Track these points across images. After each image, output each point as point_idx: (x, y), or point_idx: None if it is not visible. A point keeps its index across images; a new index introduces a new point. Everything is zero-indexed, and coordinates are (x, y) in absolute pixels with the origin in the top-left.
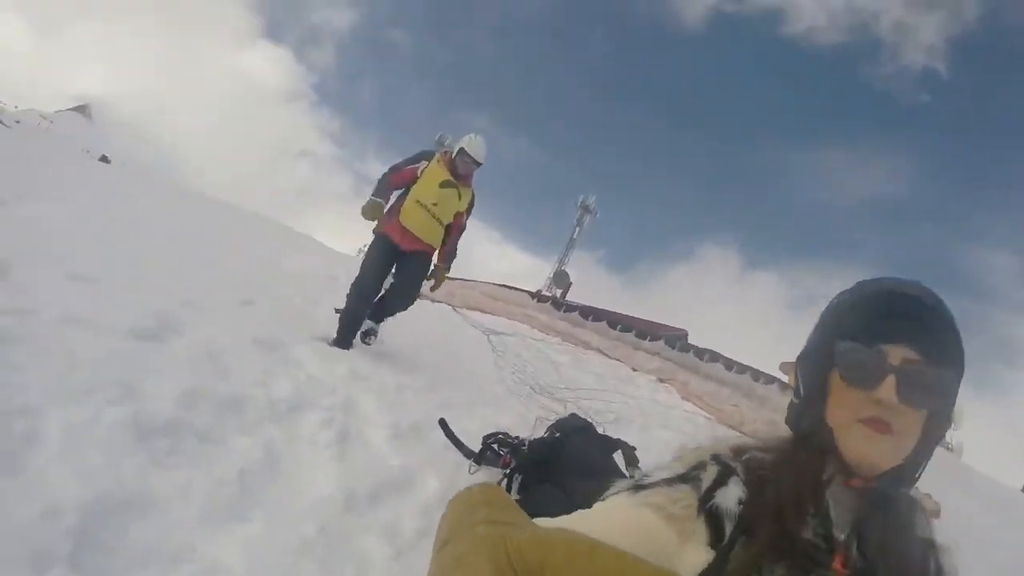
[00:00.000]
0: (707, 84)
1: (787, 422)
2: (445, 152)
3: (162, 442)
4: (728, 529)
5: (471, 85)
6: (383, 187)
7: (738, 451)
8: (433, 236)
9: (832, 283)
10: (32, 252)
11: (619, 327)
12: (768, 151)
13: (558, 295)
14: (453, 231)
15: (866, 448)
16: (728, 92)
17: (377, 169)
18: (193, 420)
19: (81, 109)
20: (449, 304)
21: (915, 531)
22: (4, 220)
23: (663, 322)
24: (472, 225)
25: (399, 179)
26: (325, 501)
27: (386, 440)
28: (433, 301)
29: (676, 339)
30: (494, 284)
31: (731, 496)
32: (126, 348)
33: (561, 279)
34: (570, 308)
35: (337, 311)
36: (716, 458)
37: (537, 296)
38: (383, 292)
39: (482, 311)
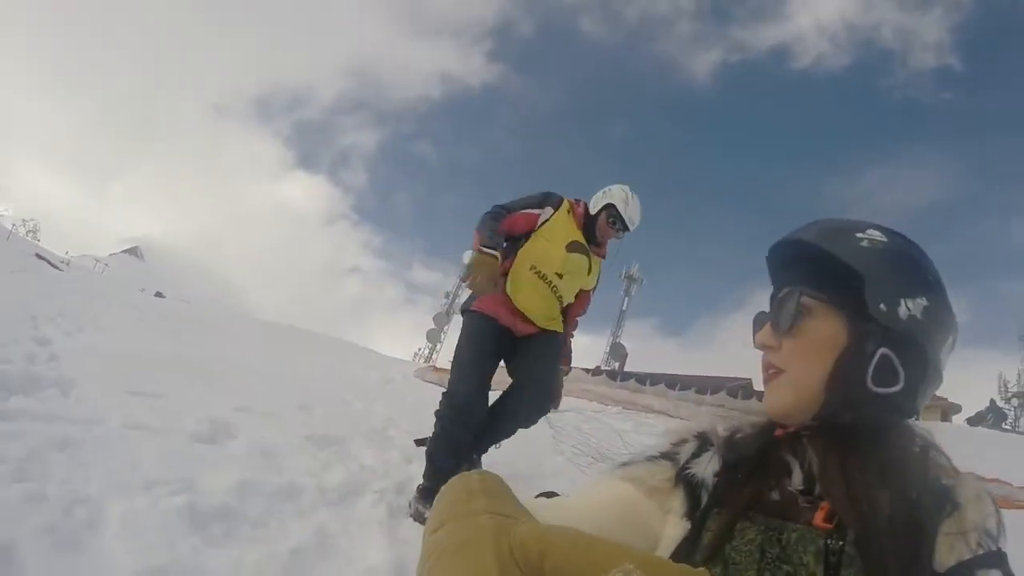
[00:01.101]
0: (729, 133)
1: None
2: (579, 201)
3: (217, 526)
4: (704, 500)
5: (500, 181)
6: (492, 233)
7: (730, 430)
8: (556, 323)
9: None
10: (95, 373)
11: (678, 386)
12: (805, 182)
13: (616, 368)
14: (571, 317)
15: (767, 400)
16: (751, 135)
17: (424, 276)
18: (247, 509)
19: (133, 251)
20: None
21: (892, 464)
22: (68, 349)
23: (728, 375)
24: None
25: (512, 225)
26: (375, 570)
27: None
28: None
29: (739, 388)
30: None
31: (706, 468)
32: (184, 449)
33: (617, 351)
34: (626, 377)
35: (419, 443)
36: (699, 435)
37: (592, 371)
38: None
39: None
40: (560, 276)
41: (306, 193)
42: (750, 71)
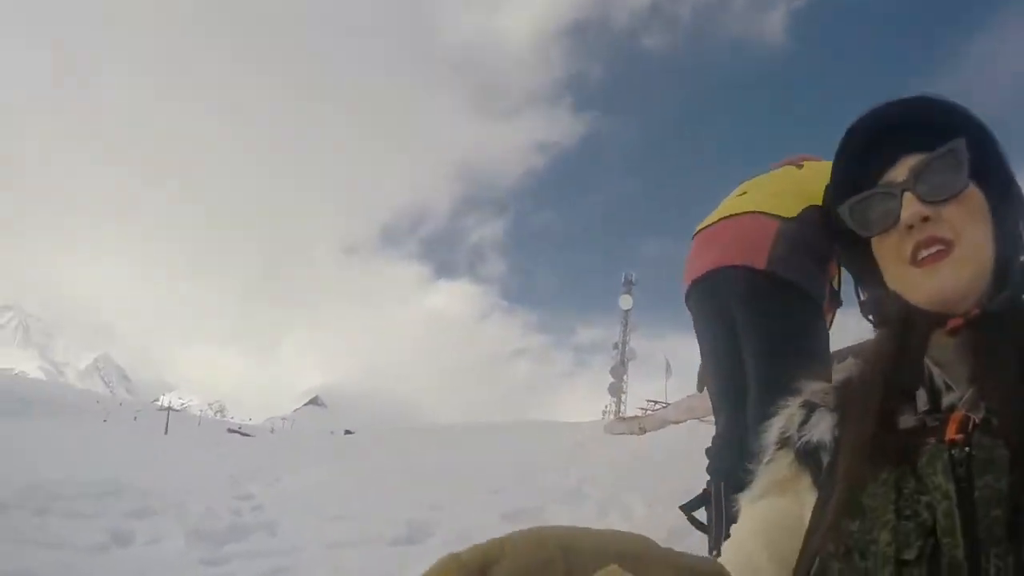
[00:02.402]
0: (827, 66)
1: (863, 313)
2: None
3: None
4: (826, 462)
5: (627, 219)
6: None
7: (836, 381)
8: None
9: None
10: (295, 510)
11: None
12: (917, 75)
13: None
14: None
15: (932, 286)
16: (846, 57)
17: (588, 335)
18: None
19: (315, 400)
20: (694, 419)
21: None
22: (269, 497)
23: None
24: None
25: None
26: None
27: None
28: (678, 422)
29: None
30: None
31: (820, 428)
32: (384, 553)
33: None
34: None
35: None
36: (804, 403)
37: None
38: None
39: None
40: None
41: (454, 298)
42: (821, 8)
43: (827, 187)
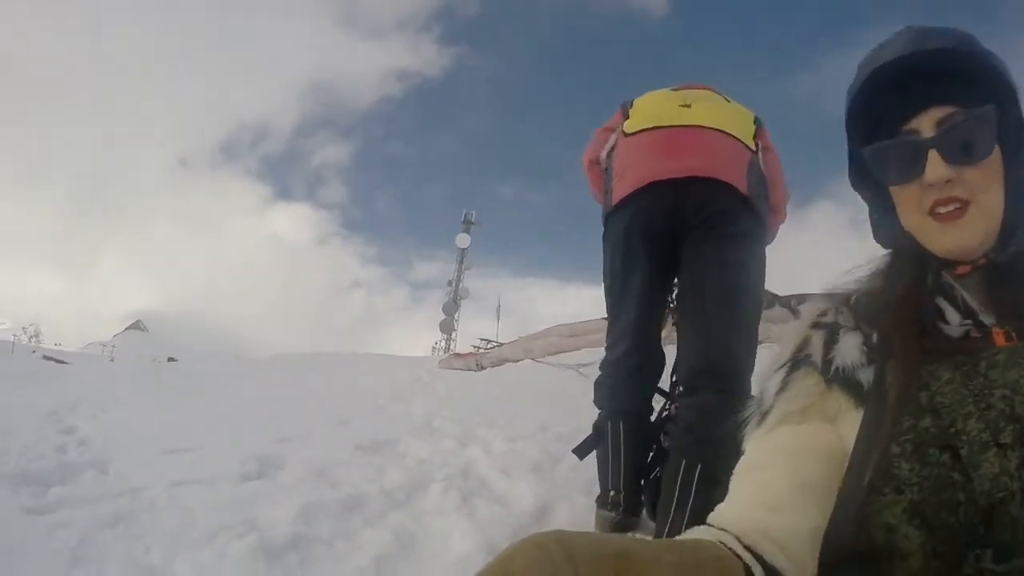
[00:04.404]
0: (696, 49)
1: (875, 239)
2: None
3: (292, 556)
4: (865, 379)
5: (480, 158)
6: None
7: (842, 300)
8: None
9: None
10: (126, 445)
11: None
12: (779, 83)
13: None
14: None
15: (947, 241)
16: (720, 46)
17: (425, 270)
18: (317, 532)
19: (136, 325)
20: (531, 359)
21: None
22: (100, 427)
23: None
24: (529, 283)
25: None
26: (467, 556)
27: (510, 486)
28: (516, 361)
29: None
30: (567, 324)
31: (849, 347)
32: (236, 492)
33: None
34: None
35: (582, 451)
36: (816, 324)
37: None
38: None
39: (565, 351)
40: None
41: (292, 222)
42: None
43: (848, 115)
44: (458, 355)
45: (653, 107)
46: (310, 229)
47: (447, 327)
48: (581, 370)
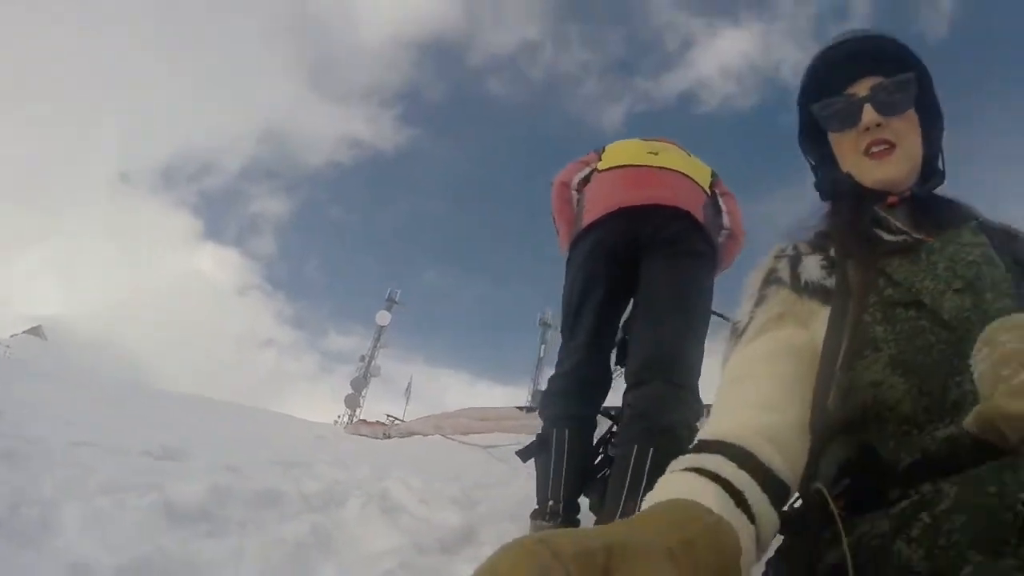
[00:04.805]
0: None
1: (817, 190)
2: None
3: (201, 525)
4: (831, 284)
5: (417, 240)
6: None
7: (798, 236)
8: None
9: None
10: (24, 400)
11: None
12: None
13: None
14: None
15: (879, 173)
16: None
17: (339, 342)
18: (228, 513)
19: (35, 331)
20: (441, 435)
21: (971, 211)
22: None
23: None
24: (441, 373)
25: None
26: (390, 552)
27: (431, 512)
28: (425, 435)
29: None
30: (479, 408)
31: (812, 265)
32: (142, 463)
33: (537, 398)
34: None
35: (525, 454)
36: (779, 256)
37: (526, 408)
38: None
39: (475, 432)
40: None
41: (217, 264)
42: (658, 118)
43: (802, 83)
44: (365, 422)
45: (625, 151)
46: (233, 275)
47: (352, 402)
48: (491, 451)
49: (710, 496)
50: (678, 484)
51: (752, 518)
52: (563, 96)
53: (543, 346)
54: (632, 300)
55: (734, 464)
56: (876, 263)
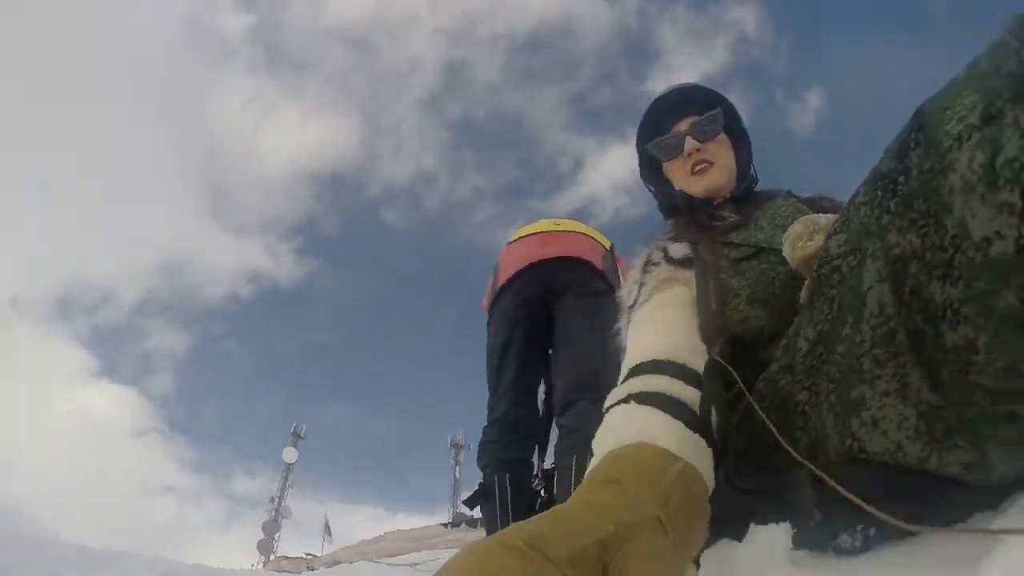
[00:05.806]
0: None
1: (664, 216)
2: None
3: None
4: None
5: (314, 373)
6: None
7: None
8: None
9: None
10: None
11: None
12: None
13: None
14: None
15: (702, 184)
16: None
17: (245, 485)
18: None
19: None
20: (367, 560)
21: (787, 197)
22: None
23: None
24: (354, 509)
25: None
26: None
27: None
28: (350, 563)
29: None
30: (403, 531)
31: (678, 247)
32: None
33: (460, 519)
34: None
35: (472, 502)
36: (651, 251)
37: (450, 524)
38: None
39: (401, 554)
40: None
41: (112, 405)
42: None
43: (639, 129)
44: (288, 558)
45: (532, 225)
46: (130, 417)
47: (266, 548)
48: (417, 567)
49: (669, 433)
50: (632, 421)
51: (710, 440)
52: (457, 222)
53: (457, 467)
54: (551, 351)
55: (680, 381)
56: (719, 238)
